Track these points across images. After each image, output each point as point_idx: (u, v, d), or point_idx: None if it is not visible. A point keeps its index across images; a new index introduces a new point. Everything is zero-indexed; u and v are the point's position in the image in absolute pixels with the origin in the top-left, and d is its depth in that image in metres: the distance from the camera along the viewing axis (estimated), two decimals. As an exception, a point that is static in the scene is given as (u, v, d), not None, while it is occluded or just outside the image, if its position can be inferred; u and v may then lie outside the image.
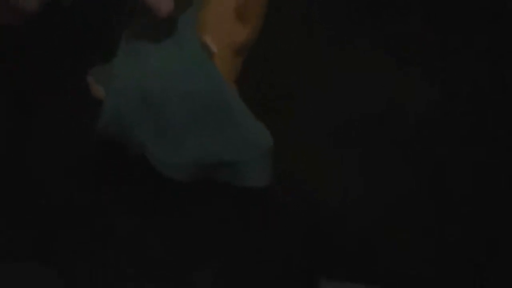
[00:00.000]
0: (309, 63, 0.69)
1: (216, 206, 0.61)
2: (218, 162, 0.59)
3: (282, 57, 0.68)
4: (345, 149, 0.65)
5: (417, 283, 0.59)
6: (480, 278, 0.59)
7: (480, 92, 0.69)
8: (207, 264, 0.59)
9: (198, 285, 0.58)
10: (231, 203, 0.62)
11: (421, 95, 0.68)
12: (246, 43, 0.61)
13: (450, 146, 0.66)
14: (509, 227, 0.61)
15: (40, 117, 0.65)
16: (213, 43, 0.59)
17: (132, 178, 0.62)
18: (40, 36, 0.68)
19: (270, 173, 0.60)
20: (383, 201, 0.62)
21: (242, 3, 0.60)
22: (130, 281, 0.57)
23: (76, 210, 0.60)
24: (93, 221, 0.60)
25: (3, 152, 0.63)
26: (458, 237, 0.61)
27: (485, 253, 0.60)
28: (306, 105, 0.67)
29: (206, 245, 0.60)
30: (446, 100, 0.68)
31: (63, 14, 0.67)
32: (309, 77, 0.69)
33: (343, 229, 0.61)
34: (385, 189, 0.63)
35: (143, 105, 0.58)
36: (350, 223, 0.61)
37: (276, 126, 0.61)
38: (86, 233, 0.59)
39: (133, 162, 0.63)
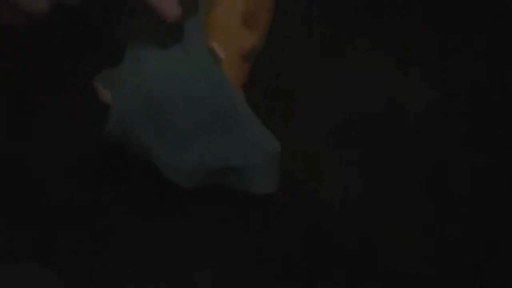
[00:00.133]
0: (309, 63, 0.69)
1: (216, 206, 0.62)
2: (224, 167, 0.59)
3: (282, 57, 0.68)
4: (345, 149, 0.65)
5: (417, 283, 0.59)
6: (480, 278, 0.59)
7: (480, 92, 0.69)
8: (207, 264, 0.59)
9: (198, 285, 0.58)
10: (231, 203, 0.62)
11: (421, 95, 0.68)
12: (253, 48, 0.61)
13: (450, 146, 0.66)
14: (509, 227, 0.61)
15: (40, 117, 0.65)
16: (220, 49, 0.59)
17: (132, 178, 0.62)
18: (40, 36, 0.68)
19: (277, 179, 0.60)
20: (383, 201, 0.62)
21: (249, 9, 0.60)
22: (130, 281, 0.57)
23: (76, 210, 0.60)
24: (93, 221, 0.60)
25: (3, 152, 0.63)
26: (458, 237, 0.61)
27: (485, 253, 0.60)
28: (306, 105, 0.67)
29: (206, 245, 0.60)
30: (446, 100, 0.68)
31: (63, 14, 0.67)
32: (309, 77, 0.69)
33: (343, 229, 0.61)
34: (385, 189, 0.63)
35: (150, 110, 0.58)
36: (350, 223, 0.61)
37: (276, 126, 0.61)
38: (86, 233, 0.59)
39: (133, 162, 0.63)
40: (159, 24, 0.57)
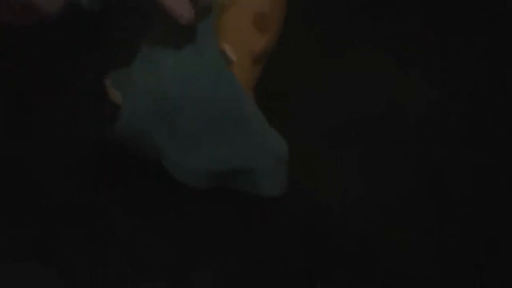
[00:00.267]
0: (310, 63, 0.69)
1: (215, 206, 0.62)
2: (233, 168, 0.59)
3: (282, 57, 0.68)
4: (345, 149, 0.65)
5: (417, 283, 0.59)
6: (480, 278, 0.59)
7: (480, 92, 0.69)
8: (206, 264, 0.59)
9: (198, 285, 0.58)
10: (230, 203, 0.62)
11: (421, 95, 0.68)
12: (264, 51, 0.61)
13: (450, 146, 0.66)
14: (509, 227, 0.61)
15: (40, 117, 0.65)
16: (232, 51, 0.59)
17: (132, 178, 0.62)
18: (40, 36, 0.68)
19: (285, 182, 0.61)
20: (383, 201, 0.62)
21: (261, 12, 0.60)
22: (129, 281, 0.57)
23: (75, 210, 0.60)
24: (93, 221, 0.60)
25: (3, 152, 0.63)
26: (458, 237, 0.61)
27: (485, 253, 0.60)
28: (307, 105, 0.67)
29: (206, 245, 0.60)
30: (446, 100, 0.68)
31: (63, 14, 0.67)
32: (309, 77, 0.69)
33: (343, 229, 0.61)
34: (385, 189, 0.63)
35: (160, 110, 0.59)
36: (350, 223, 0.61)
37: (276, 126, 0.61)
38: (85, 233, 0.59)
39: (132, 162, 0.63)
40: (172, 26, 0.57)
